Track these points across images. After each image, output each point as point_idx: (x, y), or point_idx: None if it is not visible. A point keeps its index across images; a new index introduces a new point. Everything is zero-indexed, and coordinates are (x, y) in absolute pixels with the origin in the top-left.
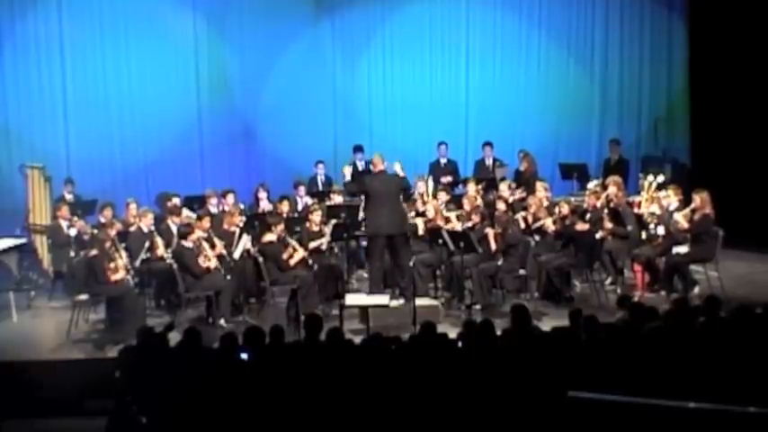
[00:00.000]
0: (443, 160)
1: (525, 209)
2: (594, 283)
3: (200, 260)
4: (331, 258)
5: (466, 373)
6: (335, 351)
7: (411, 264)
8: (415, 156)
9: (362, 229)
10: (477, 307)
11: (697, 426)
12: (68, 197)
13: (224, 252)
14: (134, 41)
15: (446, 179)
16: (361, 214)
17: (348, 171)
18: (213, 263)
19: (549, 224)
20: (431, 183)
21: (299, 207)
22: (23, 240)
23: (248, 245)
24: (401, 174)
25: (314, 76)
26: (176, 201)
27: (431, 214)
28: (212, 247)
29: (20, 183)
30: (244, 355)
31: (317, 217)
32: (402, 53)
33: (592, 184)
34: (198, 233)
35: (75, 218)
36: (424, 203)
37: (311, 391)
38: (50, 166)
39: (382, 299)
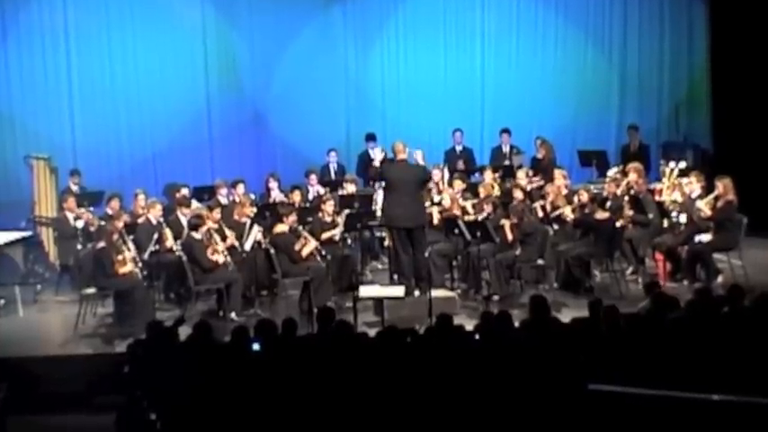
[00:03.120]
0: (458, 147)
1: (543, 197)
2: (615, 273)
3: (210, 253)
4: (344, 249)
5: (483, 365)
6: (349, 344)
7: (426, 254)
8: (430, 143)
9: (377, 218)
10: (495, 298)
11: (721, 419)
12: (75, 188)
13: (235, 243)
14: (140, 28)
15: (461, 165)
16: (378, 203)
17: (379, 154)
18: (222, 258)
19: (567, 213)
20: (446, 171)
21: (311, 197)
22: (29, 233)
23: (259, 236)
24: (421, 163)
25: (325, 62)
26: (185, 191)
27: (446, 203)
28: (223, 238)
29: (25, 174)
30: (256, 346)
31: (329, 207)
32: (416, 37)
33: (611, 172)
34: (209, 224)
35: (82, 210)
36: (440, 192)
37: (325, 385)
38: (56, 157)
39: (397, 290)
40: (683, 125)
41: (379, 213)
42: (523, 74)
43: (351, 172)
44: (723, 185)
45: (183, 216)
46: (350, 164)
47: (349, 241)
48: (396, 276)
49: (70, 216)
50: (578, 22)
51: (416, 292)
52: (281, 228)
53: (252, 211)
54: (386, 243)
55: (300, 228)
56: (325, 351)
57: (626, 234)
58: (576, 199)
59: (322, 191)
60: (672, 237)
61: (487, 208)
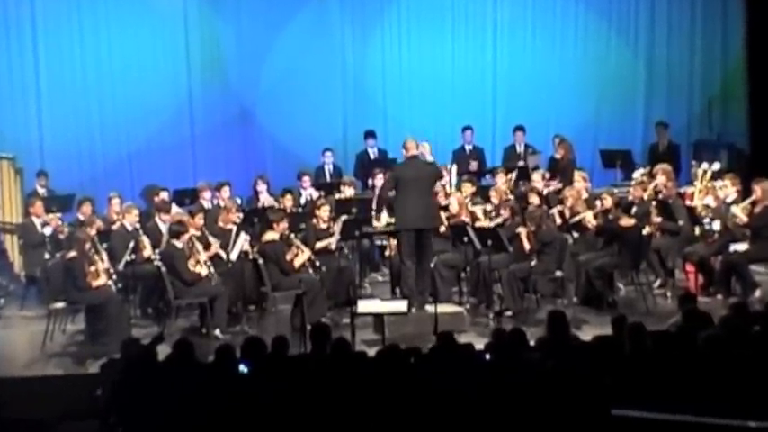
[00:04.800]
0: (468, 147)
1: (561, 202)
2: (641, 286)
3: (191, 264)
4: (341, 260)
5: (494, 389)
6: (346, 365)
7: (432, 265)
8: (436, 142)
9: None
10: (508, 314)
11: None
12: (42, 192)
13: (220, 253)
14: (115, 15)
15: (471, 168)
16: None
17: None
18: (204, 270)
19: (588, 219)
20: (454, 173)
21: (304, 201)
22: None
23: (246, 245)
24: (429, 158)
25: (320, 53)
26: (165, 195)
27: (454, 208)
28: (207, 247)
29: None
30: (243, 367)
31: (324, 212)
32: (420, 25)
33: (637, 174)
34: (191, 232)
35: (50, 215)
36: (447, 196)
37: (319, 410)
38: (21, 157)
39: (400, 305)
40: (716, 122)
41: (381, 222)
42: (540, 65)
43: (348, 174)
44: (761, 189)
45: (163, 222)
46: (347, 165)
47: (346, 251)
48: (398, 289)
49: (37, 222)
50: (600, 8)
51: (419, 307)
52: (270, 235)
53: (238, 216)
54: (387, 253)
55: (292, 236)
56: (320, 372)
57: (653, 243)
58: (597, 204)
59: (316, 195)
60: (704, 246)
61: (505, 213)
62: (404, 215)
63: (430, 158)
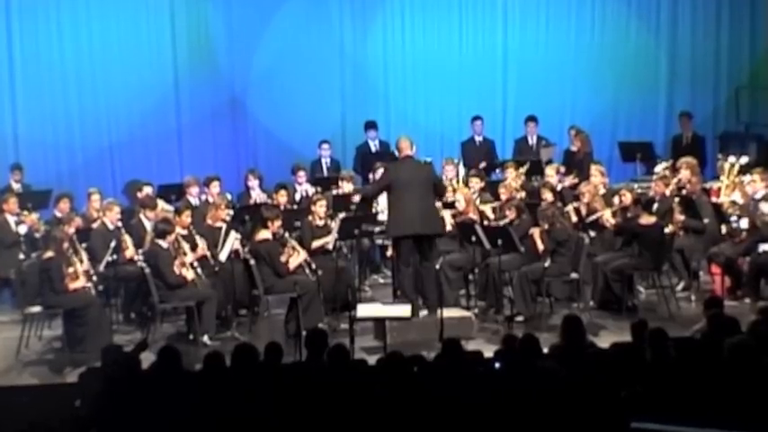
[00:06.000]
0: (478, 138)
1: (577, 198)
2: (663, 289)
3: (177, 266)
4: (339, 260)
5: (504, 400)
6: (344, 374)
7: (437, 266)
8: (442, 134)
9: (384, 231)
10: (519, 319)
11: None
12: (17, 187)
13: (207, 254)
14: None
15: (482, 164)
16: (382, 215)
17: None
18: (191, 274)
19: (606, 217)
20: (461, 167)
21: (300, 197)
22: None
23: (237, 244)
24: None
25: (317, 36)
26: (149, 190)
27: (461, 205)
28: (194, 248)
29: None
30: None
31: (321, 209)
32: (425, 7)
33: (659, 168)
34: (177, 230)
35: (26, 212)
36: (454, 192)
37: (315, 423)
38: None
39: (402, 310)
40: (744, 113)
41: (380, 218)
42: (554, 51)
43: (347, 168)
44: None
45: (147, 220)
46: (346, 158)
47: (345, 250)
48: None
49: (11, 220)
50: None
51: (423, 312)
52: (263, 234)
53: (228, 214)
54: (388, 253)
55: (287, 235)
56: (316, 382)
57: (676, 243)
58: (616, 200)
59: (312, 190)
60: (731, 246)
61: (510, 214)
62: (400, 220)
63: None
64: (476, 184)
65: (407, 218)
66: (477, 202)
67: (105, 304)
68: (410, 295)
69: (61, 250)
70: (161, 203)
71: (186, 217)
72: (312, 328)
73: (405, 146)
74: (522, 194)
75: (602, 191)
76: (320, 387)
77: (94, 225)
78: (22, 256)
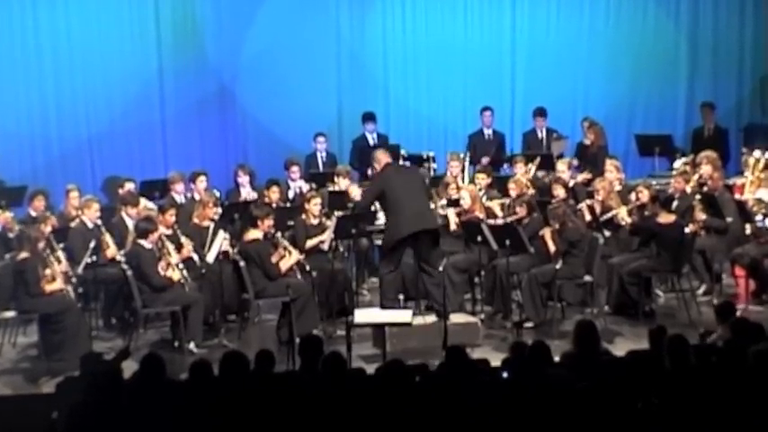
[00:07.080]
0: (488, 131)
1: (591, 195)
2: (683, 293)
3: (162, 267)
4: (335, 262)
5: (513, 411)
6: (341, 383)
7: (441, 268)
8: (445, 127)
9: (382, 237)
10: (529, 325)
11: None
12: None
13: (194, 255)
14: None
15: (486, 159)
16: (381, 213)
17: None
18: (177, 275)
19: (622, 215)
20: (467, 162)
21: (293, 194)
22: None
23: (226, 245)
24: None
25: (312, 22)
26: (131, 187)
27: (466, 203)
28: (178, 249)
29: None
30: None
31: (315, 207)
32: None
33: (679, 163)
34: (161, 230)
35: None
36: (458, 189)
37: None
38: None
39: (403, 315)
40: None
41: (379, 216)
42: (565, 39)
43: (344, 162)
44: None
45: (129, 218)
46: (342, 152)
47: (342, 249)
48: (401, 296)
49: None
50: None
51: (428, 316)
52: (253, 234)
53: (216, 212)
54: None
55: (279, 234)
56: (311, 392)
57: (697, 243)
58: (633, 197)
59: (306, 187)
60: (756, 246)
61: (520, 211)
62: (396, 227)
63: None
64: (482, 180)
65: (401, 221)
66: (484, 199)
67: (84, 309)
68: (388, 302)
69: (36, 251)
70: (143, 201)
71: (170, 215)
72: (306, 334)
73: (382, 157)
74: (533, 191)
75: (617, 187)
76: (315, 398)
77: (72, 224)
78: None
